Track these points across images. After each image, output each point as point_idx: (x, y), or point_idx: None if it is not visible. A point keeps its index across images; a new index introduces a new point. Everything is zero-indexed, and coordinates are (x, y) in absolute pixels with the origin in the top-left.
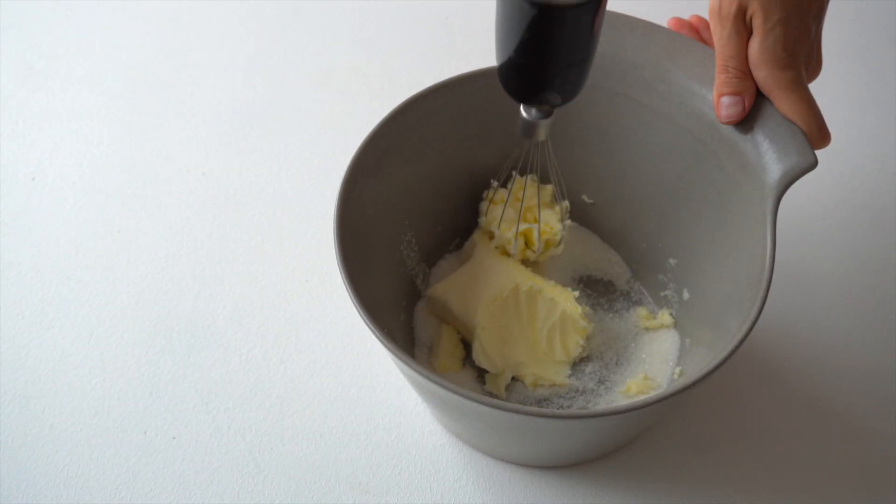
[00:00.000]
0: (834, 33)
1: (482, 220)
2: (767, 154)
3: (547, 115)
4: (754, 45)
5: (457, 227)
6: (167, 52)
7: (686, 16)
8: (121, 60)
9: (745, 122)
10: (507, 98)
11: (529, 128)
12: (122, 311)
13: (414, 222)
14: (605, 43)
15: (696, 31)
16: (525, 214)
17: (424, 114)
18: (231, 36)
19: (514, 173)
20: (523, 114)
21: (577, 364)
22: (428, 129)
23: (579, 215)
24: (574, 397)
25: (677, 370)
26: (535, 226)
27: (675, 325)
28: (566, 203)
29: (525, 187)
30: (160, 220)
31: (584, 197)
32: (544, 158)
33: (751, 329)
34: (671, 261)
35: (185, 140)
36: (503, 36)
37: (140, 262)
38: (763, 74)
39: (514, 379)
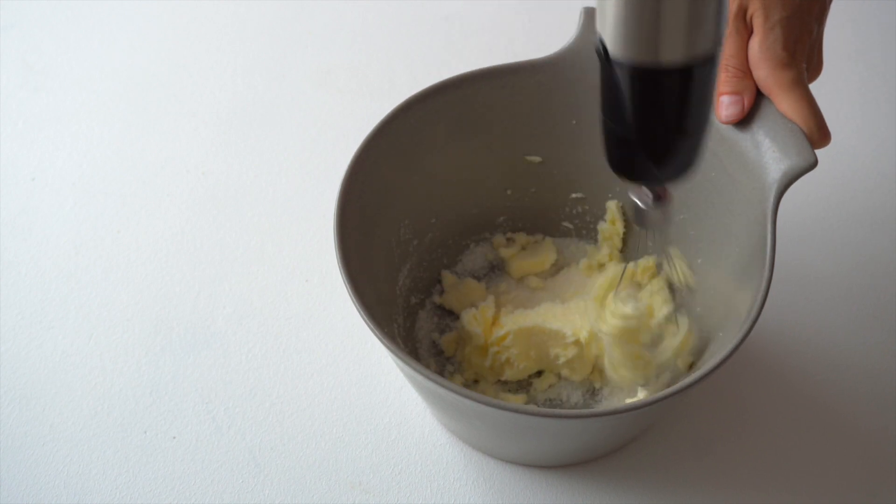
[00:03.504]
0: (834, 33)
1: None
2: (767, 154)
3: (660, 198)
4: (754, 45)
5: (457, 227)
6: (167, 52)
7: None
8: (121, 60)
9: (745, 122)
10: (507, 98)
11: (643, 216)
12: (122, 311)
13: (414, 222)
14: None
15: None
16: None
17: (424, 114)
18: (231, 36)
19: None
20: (637, 202)
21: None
22: (428, 129)
23: (578, 216)
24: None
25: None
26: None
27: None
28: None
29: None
30: (160, 220)
31: (581, 195)
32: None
33: (751, 329)
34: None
35: (185, 140)
36: (608, 110)
37: (140, 262)
38: (763, 74)
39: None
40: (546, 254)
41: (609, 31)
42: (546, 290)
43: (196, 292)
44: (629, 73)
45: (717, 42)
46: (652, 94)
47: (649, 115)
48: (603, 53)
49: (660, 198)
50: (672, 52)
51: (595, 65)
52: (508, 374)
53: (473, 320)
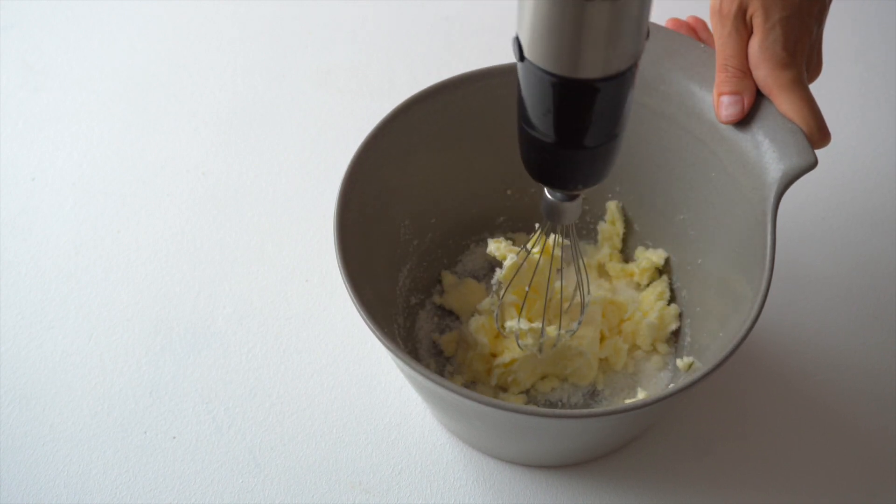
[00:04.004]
0: (834, 33)
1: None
2: (767, 154)
3: (571, 198)
4: (754, 45)
5: (457, 227)
6: (167, 51)
7: (685, 16)
8: (121, 60)
9: (745, 122)
10: (507, 98)
11: (553, 210)
12: (122, 311)
13: (414, 222)
14: None
15: (694, 32)
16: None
17: (424, 114)
18: (231, 36)
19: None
20: (547, 195)
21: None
22: (428, 129)
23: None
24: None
25: (688, 360)
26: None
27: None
28: (588, 297)
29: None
30: (160, 220)
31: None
32: (568, 243)
33: (751, 329)
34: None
35: (185, 140)
36: (524, 113)
37: (140, 262)
38: (763, 74)
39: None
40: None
41: (525, 34)
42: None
43: (196, 292)
44: (541, 78)
45: (632, 60)
46: (561, 100)
47: (562, 123)
48: (518, 52)
49: (572, 198)
50: (585, 69)
51: None
52: (513, 390)
53: (482, 329)
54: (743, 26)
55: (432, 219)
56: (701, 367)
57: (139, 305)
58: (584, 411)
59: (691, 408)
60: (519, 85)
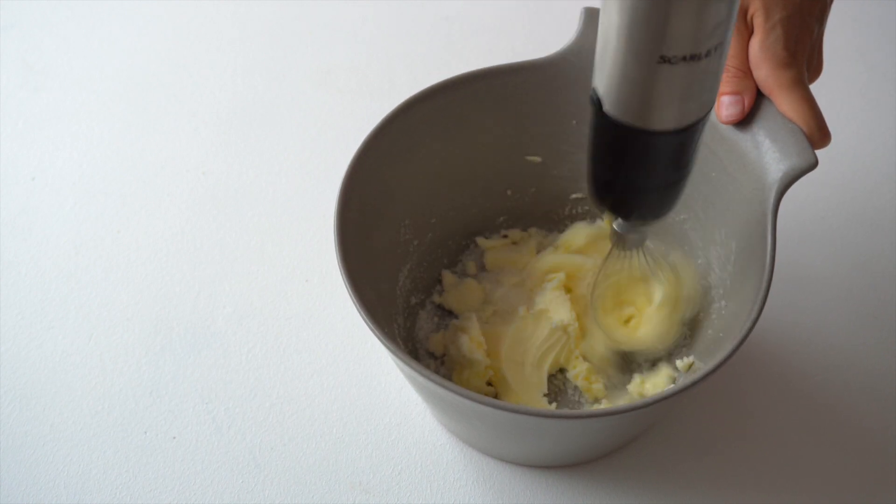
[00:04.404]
0: (834, 33)
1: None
2: (768, 154)
3: (636, 227)
4: (755, 44)
5: (457, 228)
6: (167, 51)
7: None
8: (121, 60)
9: (746, 122)
10: (507, 98)
11: (620, 238)
12: (122, 311)
13: (414, 222)
14: None
15: None
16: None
17: (424, 114)
18: (231, 36)
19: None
20: (613, 225)
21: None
22: (428, 130)
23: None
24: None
25: (688, 360)
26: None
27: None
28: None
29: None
30: (160, 220)
31: (581, 195)
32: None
33: (751, 329)
34: (671, 261)
35: (185, 140)
36: (597, 154)
37: (140, 262)
38: (763, 73)
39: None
40: (528, 250)
41: (603, 88)
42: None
43: (196, 292)
44: (619, 130)
45: (708, 108)
46: (638, 150)
47: (634, 167)
48: (597, 103)
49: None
50: (662, 122)
51: None
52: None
53: (477, 349)
54: (744, 26)
55: (432, 219)
56: (701, 367)
57: (139, 305)
58: (585, 411)
59: (691, 408)
60: (591, 132)
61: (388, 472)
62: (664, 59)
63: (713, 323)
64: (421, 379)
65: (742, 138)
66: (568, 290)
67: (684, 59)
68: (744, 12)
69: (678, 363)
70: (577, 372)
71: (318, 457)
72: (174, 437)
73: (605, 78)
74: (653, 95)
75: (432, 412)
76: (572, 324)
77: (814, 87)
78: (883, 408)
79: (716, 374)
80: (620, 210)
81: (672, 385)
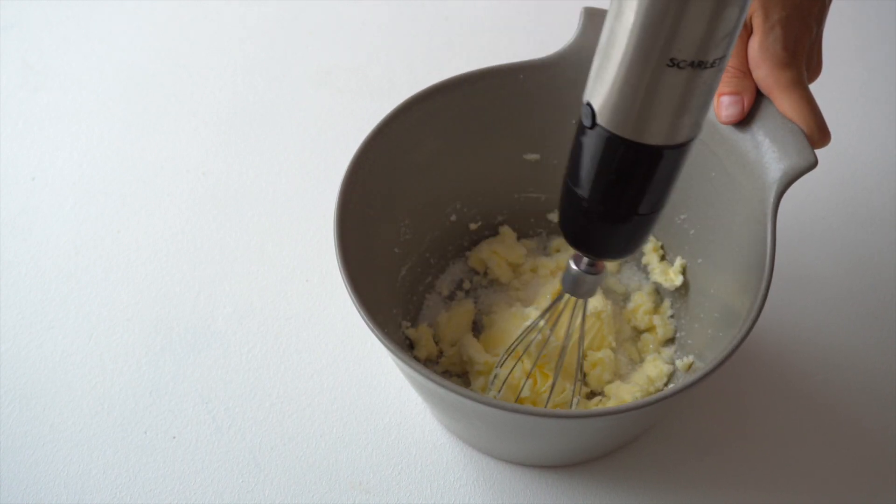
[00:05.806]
0: (834, 33)
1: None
2: (767, 154)
3: (596, 271)
4: (754, 44)
5: (457, 227)
6: (167, 51)
7: None
8: (121, 60)
9: (745, 122)
10: (507, 98)
11: (576, 282)
12: (122, 311)
13: (414, 222)
14: None
15: None
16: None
17: (424, 114)
18: (231, 36)
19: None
20: (572, 266)
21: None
22: (428, 129)
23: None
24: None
25: (688, 360)
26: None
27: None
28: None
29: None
30: (160, 220)
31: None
32: (575, 319)
33: (751, 329)
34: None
35: (185, 140)
36: (575, 178)
37: (140, 262)
38: (763, 73)
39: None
40: (514, 252)
41: (601, 98)
42: (523, 289)
43: (196, 292)
44: (609, 144)
45: (696, 132)
46: (624, 167)
47: (615, 189)
48: (589, 118)
49: (595, 269)
50: (655, 136)
51: None
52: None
53: (483, 352)
54: (743, 26)
55: (432, 218)
56: (701, 367)
57: (139, 305)
58: (584, 411)
59: (691, 408)
60: (576, 152)
61: (388, 472)
62: (673, 62)
63: (713, 323)
64: (421, 379)
65: (742, 138)
66: None
67: (692, 64)
68: None
69: (678, 363)
70: (600, 358)
71: (318, 457)
72: (174, 437)
73: (605, 86)
74: (653, 103)
75: (432, 412)
76: (605, 310)
77: (813, 87)
78: (883, 408)
79: (715, 374)
80: (592, 245)
81: (672, 385)
